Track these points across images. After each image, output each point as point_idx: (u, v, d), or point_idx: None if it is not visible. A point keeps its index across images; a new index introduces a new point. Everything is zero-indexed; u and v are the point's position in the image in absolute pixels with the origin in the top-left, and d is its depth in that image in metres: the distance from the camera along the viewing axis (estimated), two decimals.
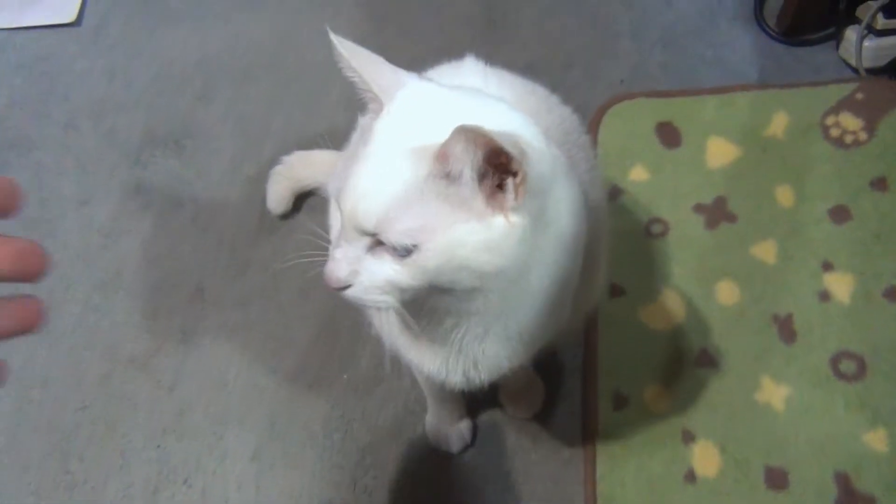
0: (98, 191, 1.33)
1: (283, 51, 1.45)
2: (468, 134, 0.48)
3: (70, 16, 1.49)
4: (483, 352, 0.67)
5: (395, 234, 0.52)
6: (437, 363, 0.70)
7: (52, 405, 1.15)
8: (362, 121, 0.61)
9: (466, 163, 0.50)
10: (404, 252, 0.52)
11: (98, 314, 1.23)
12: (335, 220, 0.61)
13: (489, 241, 0.53)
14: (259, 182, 1.28)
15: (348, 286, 0.55)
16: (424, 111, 0.55)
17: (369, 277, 0.54)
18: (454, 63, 0.82)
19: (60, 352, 1.19)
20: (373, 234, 0.53)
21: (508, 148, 0.48)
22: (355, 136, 0.60)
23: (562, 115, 0.80)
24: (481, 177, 0.51)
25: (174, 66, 1.45)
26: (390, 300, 0.55)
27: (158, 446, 1.11)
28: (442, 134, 0.49)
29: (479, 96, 0.59)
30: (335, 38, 0.55)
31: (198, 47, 1.46)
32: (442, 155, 0.50)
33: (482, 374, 0.70)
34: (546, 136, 0.59)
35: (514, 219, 0.53)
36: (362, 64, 0.55)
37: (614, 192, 1.23)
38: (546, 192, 0.56)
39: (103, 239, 1.29)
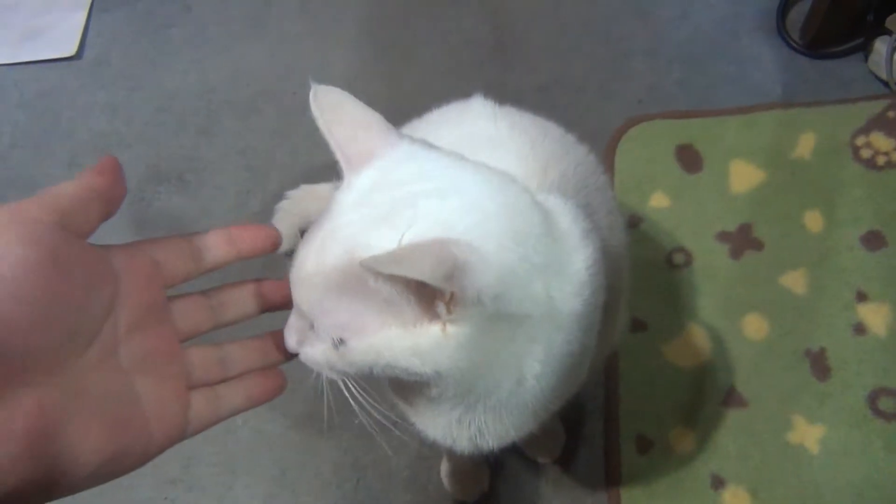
0: (101, 230, 1.29)
1: (286, 81, 1.41)
2: (375, 268, 0.42)
3: (70, 49, 1.47)
4: (485, 422, 0.62)
5: (324, 327, 0.48)
6: (439, 430, 0.65)
7: None
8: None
9: (384, 288, 0.44)
10: (336, 341, 0.48)
11: None
12: None
13: (417, 349, 0.47)
14: (264, 217, 1.24)
15: (296, 354, 0.52)
16: (379, 198, 0.48)
17: (311, 351, 0.51)
18: (460, 104, 0.77)
19: None
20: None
21: (425, 278, 0.42)
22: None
23: (577, 157, 0.75)
24: (408, 292, 0.45)
25: (176, 100, 1.41)
26: (335, 375, 0.52)
27: (166, 498, 1.08)
28: (389, 234, 0.45)
29: (449, 177, 0.50)
30: (315, 90, 0.49)
31: (199, 79, 1.43)
32: (368, 270, 0.43)
33: (490, 442, 0.65)
34: (544, 218, 0.52)
35: (452, 329, 0.46)
36: (334, 124, 0.49)
37: (633, 221, 1.18)
38: (507, 295, 0.48)
39: None
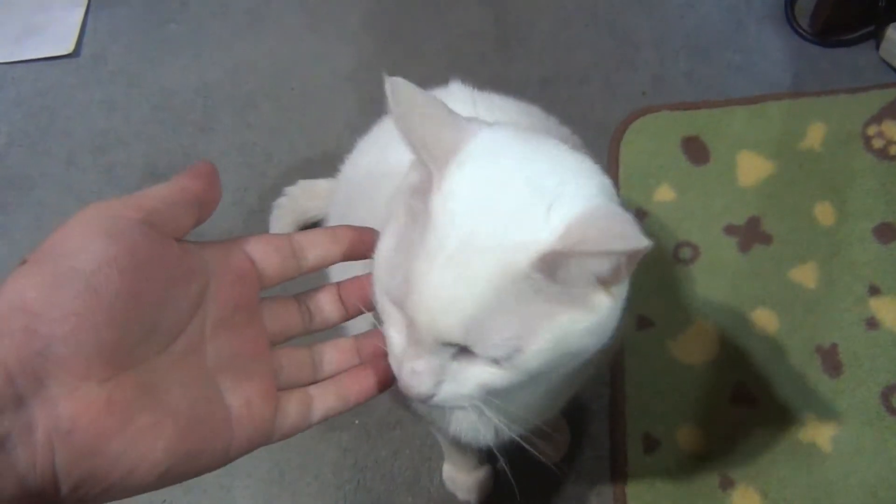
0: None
1: (285, 77, 1.39)
2: (578, 250, 0.40)
3: (68, 47, 1.45)
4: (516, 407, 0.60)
5: (490, 347, 0.43)
6: (464, 424, 0.64)
7: None
8: (408, 179, 0.48)
9: (590, 273, 0.41)
10: (505, 357, 0.43)
11: None
12: (392, 319, 0.47)
13: (596, 325, 0.44)
14: (263, 214, 1.23)
15: (432, 396, 0.46)
16: (496, 193, 0.43)
17: (457, 386, 0.45)
18: (439, 91, 0.76)
19: None
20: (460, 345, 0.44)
21: (628, 246, 0.40)
22: (397, 198, 0.49)
23: (562, 138, 0.73)
24: (600, 266, 0.42)
25: (174, 96, 1.40)
26: (478, 402, 0.47)
27: (164, 500, 1.07)
28: (534, 223, 0.41)
29: (559, 153, 0.47)
30: (392, 84, 0.44)
31: (198, 76, 1.41)
32: (551, 262, 0.40)
33: (515, 429, 0.63)
34: None
35: (616, 290, 0.43)
36: (415, 121, 0.44)
37: (639, 215, 1.15)
38: None
39: None
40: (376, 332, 0.49)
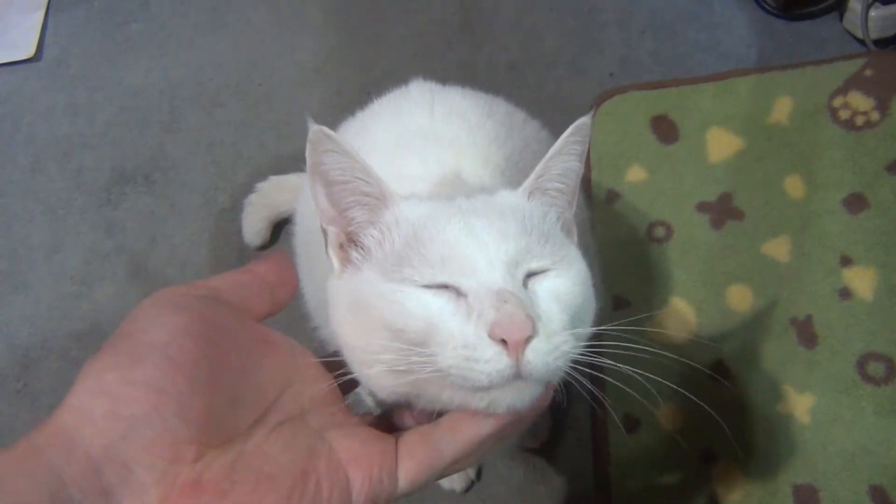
0: (69, 236, 1.26)
1: (250, 72, 1.38)
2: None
3: (28, 51, 1.43)
4: None
5: (539, 239, 0.49)
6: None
7: None
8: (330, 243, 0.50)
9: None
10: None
11: (78, 367, 1.15)
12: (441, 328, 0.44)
13: (584, 270, 0.52)
14: (234, 212, 1.22)
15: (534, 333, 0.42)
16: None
17: (546, 321, 0.44)
18: (400, 92, 0.75)
19: (42, 410, 1.14)
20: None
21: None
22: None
23: (526, 137, 0.73)
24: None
25: (138, 97, 1.38)
26: (568, 338, 0.45)
27: None
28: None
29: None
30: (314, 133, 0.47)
31: (161, 75, 1.39)
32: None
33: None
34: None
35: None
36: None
37: (611, 196, 1.15)
38: None
39: (77, 287, 1.23)
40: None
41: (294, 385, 0.40)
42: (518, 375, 0.41)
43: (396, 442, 0.42)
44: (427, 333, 0.43)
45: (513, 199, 0.51)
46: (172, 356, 0.34)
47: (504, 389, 0.42)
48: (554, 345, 0.43)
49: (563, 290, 0.47)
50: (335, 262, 0.49)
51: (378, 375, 0.44)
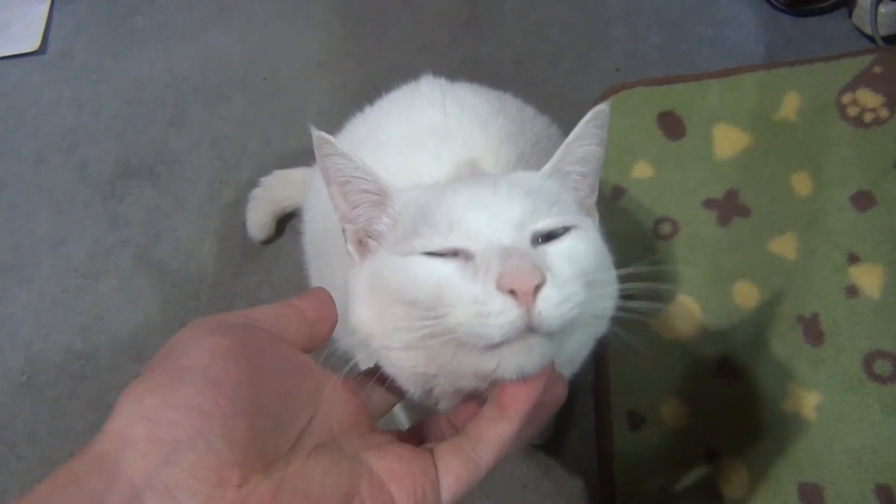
0: (73, 229, 1.26)
1: (256, 67, 1.37)
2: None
3: (33, 44, 1.42)
4: None
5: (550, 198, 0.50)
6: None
7: (39, 461, 1.10)
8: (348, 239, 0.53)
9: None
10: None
11: (81, 361, 1.17)
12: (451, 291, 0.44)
13: (597, 237, 0.53)
14: (238, 206, 1.21)
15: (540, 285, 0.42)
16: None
17: (557, 271, 0.43)
18: (410, 88, 0.75)
19: (44, 404, 1.14)
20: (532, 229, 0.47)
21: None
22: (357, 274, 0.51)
23: (537, 133, 0.72)
24: None
25: (143, 91, 1.37)
26: (580, 290, 0.44)
27: None
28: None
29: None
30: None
31: (166, 69, 1.39)
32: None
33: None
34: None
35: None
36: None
37: (617, 193, 1.15)
38: None
39: (81, 280, 1.23)
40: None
41: (322, 409, 0.40)
42: (530, 327, 0.41)
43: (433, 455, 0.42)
44: (437, 296, 0.43)
45: (528, 175, 0.53)
46: (214, 378, 0.33)
47: (514, 346, 0.41)
48: (565, 294, 0.42)
49: (575, 252, 0.46)
50: (355, 257, 0.51)
51: (398, 357, 0.45)
